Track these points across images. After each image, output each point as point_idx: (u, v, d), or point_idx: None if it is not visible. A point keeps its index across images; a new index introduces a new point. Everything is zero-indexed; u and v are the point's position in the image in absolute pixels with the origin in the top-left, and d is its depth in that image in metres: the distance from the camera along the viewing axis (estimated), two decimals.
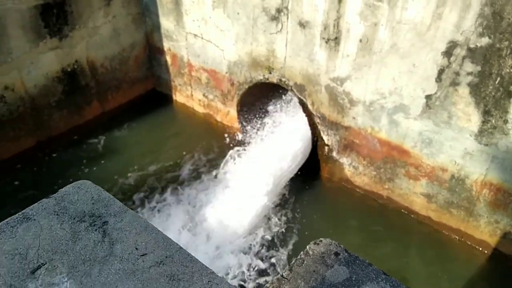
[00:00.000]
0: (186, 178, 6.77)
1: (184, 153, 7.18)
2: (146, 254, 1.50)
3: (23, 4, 5.91)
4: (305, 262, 1.62)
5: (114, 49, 7.30)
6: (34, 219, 1.61)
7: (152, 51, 7.87)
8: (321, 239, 1.88)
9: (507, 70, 4.38)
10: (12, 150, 6.55)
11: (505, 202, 5.09)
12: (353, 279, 1.62)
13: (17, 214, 1.63)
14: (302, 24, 5.64)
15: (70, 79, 6.89)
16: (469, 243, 5.63)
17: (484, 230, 5.43)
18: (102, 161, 6.99)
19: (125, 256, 1.49)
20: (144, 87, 8.15)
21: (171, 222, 6.07)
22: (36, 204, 1.68)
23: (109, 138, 7.42)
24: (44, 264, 1.45)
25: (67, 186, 1.74)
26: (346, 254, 1.68)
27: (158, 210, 6.27)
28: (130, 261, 1.48)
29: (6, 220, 1.61)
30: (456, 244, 5.72)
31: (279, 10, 5.77)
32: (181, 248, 1.52)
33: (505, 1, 4.11)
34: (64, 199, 1.67)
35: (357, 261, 1.66)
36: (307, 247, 1.89)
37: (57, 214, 1.62)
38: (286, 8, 5.68)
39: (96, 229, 1.57)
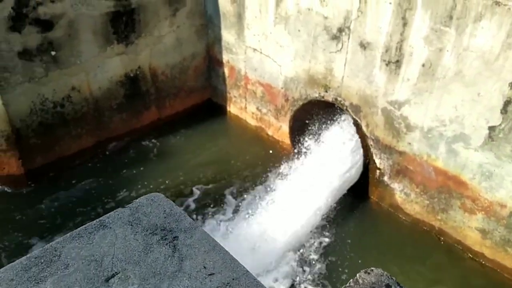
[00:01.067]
0: (236, 190, 6.83)
1: (235, 164, 7.27)
2: (213, 274, 1.53)
3: (96, 11, 6.24)
4: None
5: (175, 58, 7.54)
6: (110, 227, 1.69)
7: (211, 62, 8.06)
8: (372, 268, 1.84)
9: None
10: (74, 148, 6.88)
11: None
12: None
13: (94, 221, 1.72)
14: (363, 45, 5.60)
15: (132, 84, 7.18)
16: None
17: None
18: (154, 165, 7.20)
19: (193, 274, 1.53)
20: (200, 96, 8.34)
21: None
22: (112, 212, 1.77)
23: (163, 144, 7.64)
24: (118, 273, 1.52)
25: (141, 197, 1.81)
26: (395, 284, 1.64)
27: (203, 220, 6.37)
28: (198, 279, 1.51)
29: (84, 226, 1.70)
30: (508, 284, 5.43)
31: (340, 30, 5.77)
32: (247, 271, 1.54)
33: None
34: (138, 210, 1.75)
35: None
36: (357, 275, 1.85)
37: (131, 225, 1.69)
38: (348, 28, 5.66)
39: (167, 243, 1.63)
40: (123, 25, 6.60)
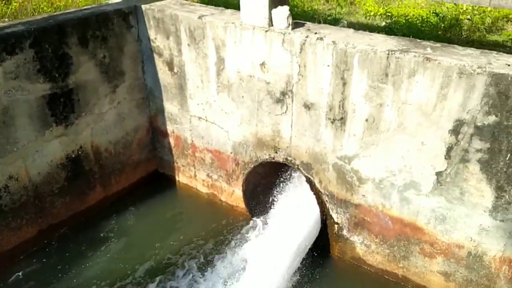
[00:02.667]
0: (194, 263, 6.54)
1: (189, 235, 7.01)
2: None
3: (31, 95, 6.00)
4: None
5: (118, 133, 7.35)
6: None
7: (155, 134, 7.95)
8: None
9: None
10: (13, 241, 6.33)
11: None
12: None
13: None
14: (307, 106, 5.79)
15: (73, 165, 6.85)
16: None
17: None
18: (104, 248, 6.77)
19: None
20: (146, 169, 8.12)
21: None
22: None
23: (112, 224, 7.25)
24: None
25: None
26: None
27: None
28: None
29: None
30: None
31: (283, 93, 5.94)
32: None
33: (510, 82, 4.30)
34: None
35: None
36: None
37: None
38: (291, 91, 5.85)
39: None
40: (61, 106, 6.38)
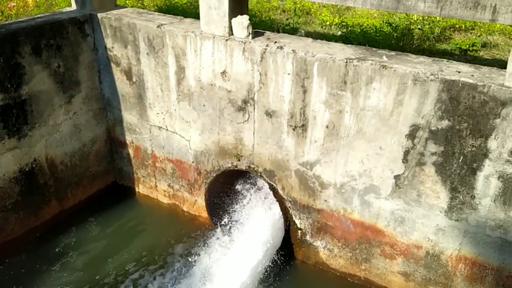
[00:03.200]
0: (154, 275, 6.42)
1: (150, 247, 6.89)
2: None
3: None
4: None
5: (74, 145, 7.13)
6: None
7: (113, 145, 7.76)
8: None
9: (469, 149, 4.72)
10: None
11: (481, 275, 5.22)
12: None
13: None
14: (269, 114, 5.85)
15: (27, 179, 6.58)
16: None
17: None
18: (62, 264, 6.52)
19: None
20: (104, 181, 7.90)
21: None
22: None
23: (68, 239, 7.00)
24: None
25: None
26: None
27: None
28: None
29: None
30: None
31: (245, 101, 5.98)
32: None
33: (461, 88, 4.53)
34: None
35: None
36: None
37: None
38: (252, 99, 5.90)
39: None
40: (14, 118, 6.12)
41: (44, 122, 6.54)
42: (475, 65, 4.94)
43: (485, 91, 4.42)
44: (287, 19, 7.57)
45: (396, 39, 6.55)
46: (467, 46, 6.36)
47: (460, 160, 4.81)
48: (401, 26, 6.47)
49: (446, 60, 5.08)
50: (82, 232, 7.13)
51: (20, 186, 6.51)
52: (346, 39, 6.52)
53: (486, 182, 4.75)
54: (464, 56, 6.35)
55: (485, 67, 4.87)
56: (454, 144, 4.78)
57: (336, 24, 7.44)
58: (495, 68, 4.82)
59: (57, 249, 6.79)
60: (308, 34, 7.13)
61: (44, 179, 6.84)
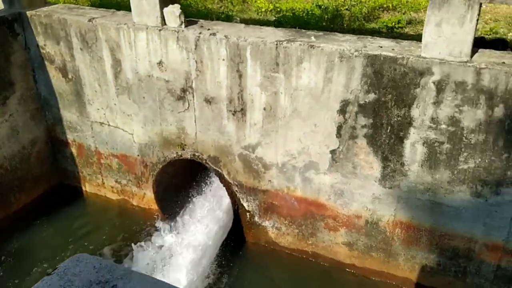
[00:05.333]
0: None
1: (99, 244, 6.85)
2: None
3: None
4: None
5: (13, 148, 6.95)
6: None
7: (55, 145, 7.61)
8: None
9: (395, 119, 5.02)
10: None
11: (416, 238, 5.58)
12: None
13: None
14: (208, 100, 5.95)
15: None
16: (394, 282, 5.99)
17: (404, 268, 5.84)
18: (9, 271, 6.37)
19: None
20: (49, 183, 7.74)
21: None
22: (39, 283, 1.63)
23: (12, 244, 6.83)
24: None
25: (65, 261, 1.70)
26: None
27: None
28: None
29: None
30: (382, 286, 6.03)
31: (184, 90, 6.04)
32: None
33: (383, 61, 4.81)
34: (67, 273, 1.63)
35: None
36: None
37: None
38: (191, 87, 5.97)
39: None
40: None
41: None
42: (396, 39, 5.24)
43: (404, 63, 4.72)
44: (220, 7, 7.66)
45: (327, 21, 6.80)
46: (393, 23, 6.70)
47: (388, 130, 5.11)
48: (331, 8, 6.72)
49: (370, 37, 5.35)
50: (27, 236, 6.98)
51: None
52: (279, 23, 6.70)
53: (413, 149, 5.07)
54: (391, 33, 6.69)
55: (406, 41, 5.17)
56: (381, 115, 5.06)
57: (270, 10, 7.61)
58: (414, 41, 5.13)
59: (4, 256, 6.62)
60: (244, 21, 7.25)
61: None
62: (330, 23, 6.89)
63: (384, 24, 6.74)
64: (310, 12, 6.73)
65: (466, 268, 5.45)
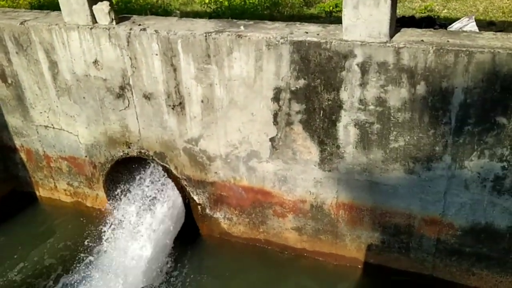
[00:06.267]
0: (60, 276, 6.40)
1: (56, 249, 6.83)
2: None
3: None
4: None
5: None
6: None
7: (3, 151, 7.50)
8: None
9: (326, 103, 5.07)
10: None
11: (359, 217, 5.67)
12: None
13: None
14: (147, 96, 5.92)
15: None
16: (343, 263, 6.10)
17: (351, 248, 5.95)
18: None
19: None
20: (1, 190, 7.63)
21: None
22: None
23: None
24: None
25: None
26: None
27: None
28: None
29: None
30: (333, 267, 6.14)
31: (122, 88, 6.00)
32: None
33: (308, 47, 4.84)
34: None
35: None
36: None
37: None
38: (129, 84, 5.93)
39: None
40: None
41: None
42: (323, 24, 5.27)
43: (328, 47, 4.76)
44: (157, 1, 7.60)
45: (265, 9, 6.80)
46: (331, 8, 6.74)
47: (321, 115, 5.16)
48: None
49: (299, 23, 5.36)
50: None
51: None
52: (217, 15, 6.68)
53: (346, 131, 5.14)
54: (330, 17, 6.73)
55: (332, 25, 5.21)
56: (313, 100, 5.11)
57: (214, 1, 7.58)
58: (340, 25, 5.16)
59: None
60: (185, 15, 7.23)
61: None
62: (270, 11, 6.90)
63: (322, 9, 6.77)
64: (247, 1, 6.72)
65: (408, 244, 5.58)
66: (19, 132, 7.16)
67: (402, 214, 5.40)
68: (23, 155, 7.43)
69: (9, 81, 6.67)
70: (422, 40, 4.54)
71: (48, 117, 6.77)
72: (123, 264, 6.37)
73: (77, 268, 6.51)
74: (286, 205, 5.99)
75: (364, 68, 4.71)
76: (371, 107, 4.88)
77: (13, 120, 7.07)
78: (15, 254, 6.82)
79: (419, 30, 4.83)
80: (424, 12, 6.55)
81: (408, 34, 4.72)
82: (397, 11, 5.45)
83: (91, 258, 6.65)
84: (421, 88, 4.58)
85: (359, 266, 6.02)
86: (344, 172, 5.43)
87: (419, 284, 5.71)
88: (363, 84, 4.80)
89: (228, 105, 5.55)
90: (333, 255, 6.11)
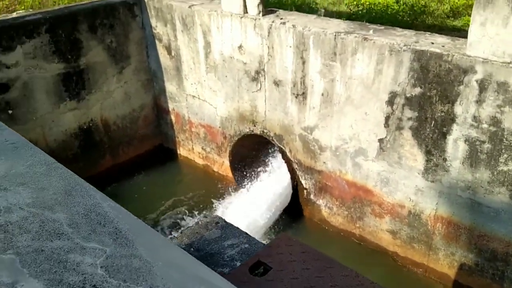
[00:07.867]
0: (186, 213, 7.60)
1: (187, 198, 8.04)
2: None
3: (48, 73, 7.18)
4: (192, 227, 2.36)
5: (125, 109, 8.46)
6: None
7: (159, 111, 9.01)
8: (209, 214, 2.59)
9: (439, 114, 5.14)
10: None
11: (456, 234, 5.60)
12: (223, 236, 2.35)
13: None
14: (276, 83, 6.63)
15: (86, 135, 8.01)
16: (433, 276, 6.07)
17: (444, 263, 5.89)
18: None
19: None
20: (152, 143, 9.19)
21: None
22: None
23: (119, 188, 8.35)
24: None
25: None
26: (224, 222, 2.41)
27: None
28: None
29: None
30: (421, 278, 6.14)
31: (257, 72, 6.80)
32: None
33: (429, 57, 4.98)
34: None
35: (229, 226, 2.39)
36: (197, 219, 2.64)
37: None
38: (263, 70, 6.71)
39: None
40: (74, 84, 7.54)
41: (99, 88, 7.91)
42: (453, 37, 5.30)
43: (449, 60, 4.83)
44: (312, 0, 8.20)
45: (408, 16, 6.92)
46: None
47: (432, 125, 5.25)
48: (409, 2, 6.83)
49: (428, 33, 5.48)
50: (132, 183, 8.47)
51: (79, 141, 7.97)
52: (356, 17, 7.03)
53: (455, 146, 5.15)
54: None
55: (462, 39, 5.21)
56: (426, 109, 5.22)
57: (361, 4, 7.92)
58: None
59: (110, 194, 8.18)
60: (329, 14, 7.73)
61: (99, 137, 8.25)
62: (411, 18, 7.00)
63: (467, 22, 6.62)
64: (388, 6, 6.93)
65: (504, 273, 5.35)
66: (173, 97, 8.53)
67: (501, 240, 5.20)
68: (173, 117, 8.82)
69: (173, 54, 8.00)
70: None
71: (196, 88, 7.95)
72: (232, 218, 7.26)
73: (196, 211, 7.63)
74: (384, 206, 6.17)
75: (482, 85, 4.69)
76: (485, 125, 4.83)
77: (170, 87, 8.45)
78: (154, 193, 8.22)
79: None
80: None
81: None
82: None
83: (208, 207, 7.68)
84: None
85: (448, 284, 5.94)
86: (447, 186, 5.42)
87: None
88: (479, 101, 4.77)
89: (345, 102, 5.94)
90: (424, 266, 6.11)
